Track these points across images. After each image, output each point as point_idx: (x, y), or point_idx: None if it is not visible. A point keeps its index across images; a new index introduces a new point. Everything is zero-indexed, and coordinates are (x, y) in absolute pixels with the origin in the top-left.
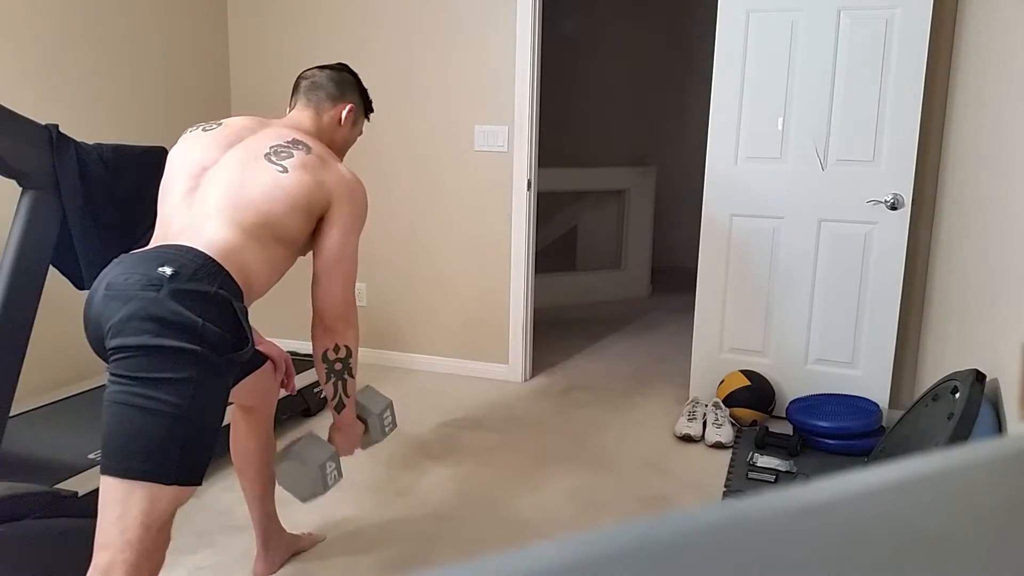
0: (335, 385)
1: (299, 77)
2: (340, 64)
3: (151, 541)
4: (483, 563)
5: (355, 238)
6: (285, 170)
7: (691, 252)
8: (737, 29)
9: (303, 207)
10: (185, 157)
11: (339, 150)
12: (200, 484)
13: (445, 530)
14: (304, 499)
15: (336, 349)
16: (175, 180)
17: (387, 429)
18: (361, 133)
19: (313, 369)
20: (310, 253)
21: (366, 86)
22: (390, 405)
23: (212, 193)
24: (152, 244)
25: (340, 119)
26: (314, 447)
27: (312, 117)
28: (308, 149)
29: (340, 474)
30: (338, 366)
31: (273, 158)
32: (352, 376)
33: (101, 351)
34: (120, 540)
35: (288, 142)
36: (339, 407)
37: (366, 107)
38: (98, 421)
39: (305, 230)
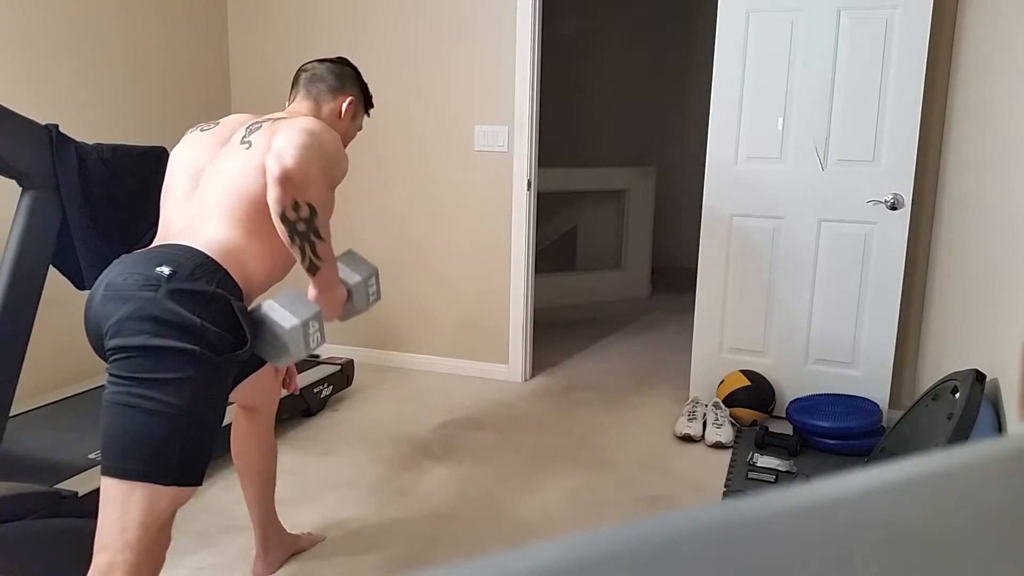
0: (302, 248)
1: (299, 69)
2: (340, 57)
3: (151, 541)
4: (483, 563)
5: (297, 137)
6: (250, 145)
7: (691, 252)
8: (737, 29)
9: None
10: (184, 158)
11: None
12: (200, 484)
13: (445, 530)
14: (280, 360)
15: (295, 206)
16: (176, 181)
17: (371, 299)
18: (361, 128)
19: (313, 369)
20: None
21: (367, 86)
22: (375, 272)
23: (210, 192)
24: (154, 244)
25: (340, 112)
26: (296, 303)
27: (311, 108)
28: (278, 119)
29: (323, 337)
30: (301, 227)
31: (245, 137)
32: (320, 238)
33: (101, 351)
34: (120, 540)
35: (263, 120)
36: (312, 269)
37: (366, 101)
38: (98, 421)
39: None
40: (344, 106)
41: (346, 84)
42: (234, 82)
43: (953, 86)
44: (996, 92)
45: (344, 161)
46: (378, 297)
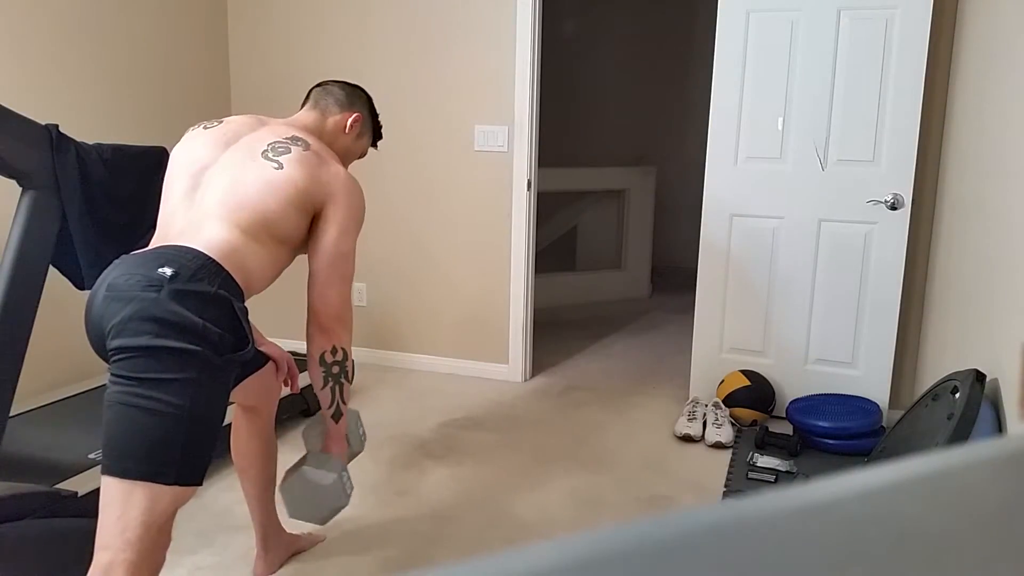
0: (333, 390)
1: (314, 86)
2: (356, 84)
3: (151, 541)
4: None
5: (352, 237)
6: (280, 166)
7: (691, 252)
8: (737, 29)
9: (297, 203)
10: (186, 156)
11: (340, 158)
12: (200, 484)
13: (445, 530)
14: (324, 519)
15: (334, 351)
16: (176, 179)
17: (363, 439)
18: (365, 152)
19: None
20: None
21: (367, 86)
22: (358, 415)
23: (211, 192)
24: (153, 244)
25: (346, 126)
26: (322, 462)
27: (316, 118)
28: (306, 145)
29: (352, 484)
30: (335, 369)
31: (270, 155)
32: (349, 380)
33: (102, 352)
34: (121, 540)
35: (287, 139)
36: (336, 415)
37: (375, 129)
38: (98, 421)
39: (301, 227)
40: (350, 121)
41: (355, 102)
42: (234, 82)
43: (953, 86)
44: (996, 92)
45: (364, 206)
46: (366, 436)
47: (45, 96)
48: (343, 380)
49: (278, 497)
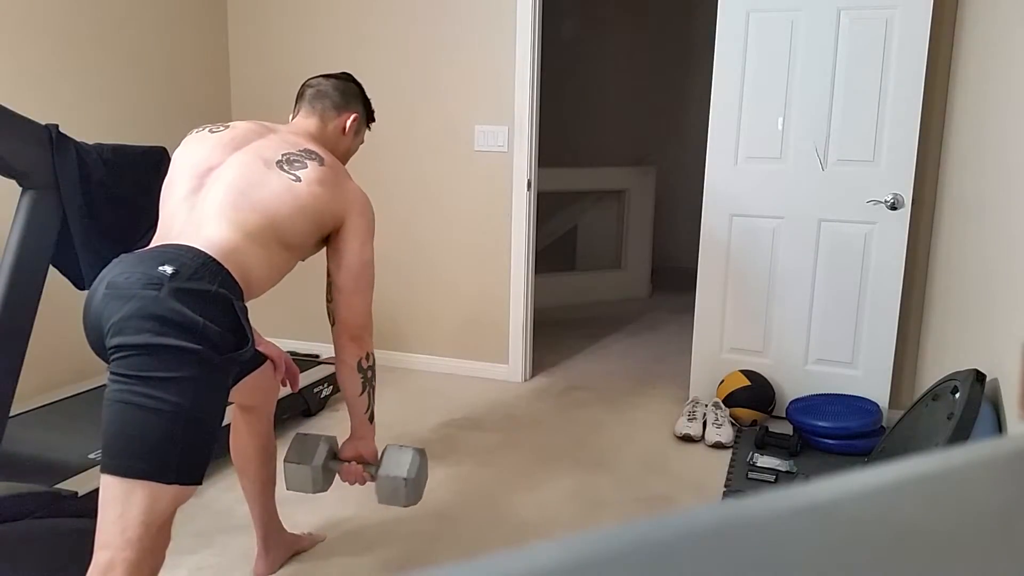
0: (369, 395)
1: (304, 85)
2: (344, 73)
3: (151, 540)
4: (483, 563)
5: (371, 247)
6: (299, 179)
7: (691, 252)
8: (737, 29)
9: (313, 218)
10: (190, 158)
11: (342, 158)
12: (200, 484)
13: (445, 530)
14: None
15: (367, 357)
16: (179, 179)
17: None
18: (363, 142)
19: (313, 369)
20: (308, 258)
21: (367, 86)
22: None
23: (215, 194)
24: (153, 243)
25: (344, 128)
26: (316, 442)
27: (317, 125)
28: (321, 160)
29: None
30: (370, 374)
31: (285, 167)
32: (375, 384)
33: (101, 351)
34: (120, 539)
35: (300, 152)
36: (372, 417)
37: (368, 116)
38: (98, 421)
39: (311, 238)
40: (348, 123)
41: (350, 101)
42: (234, 82)
43: (953, 86)
44: (996, 92)
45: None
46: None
47: (45, 96)
48: (374, 383)
49: (277, 493)
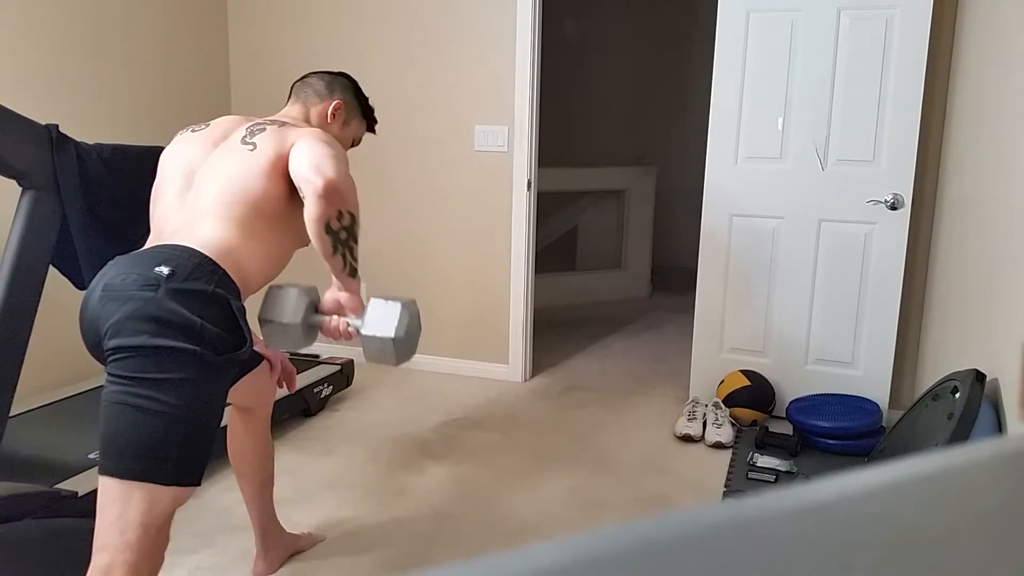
0: (343, 256)
1: (295, 81)
2: (341, 72)
3: (150, 542)
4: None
5: (324, 148)
6: (255, 147)
7: (691, 252)
8: (737, 29)
9: (273, 170)
10: (176, 158)
11: None
12: (199, 484)
13: (445, 530)
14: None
15: (340, 216)
16: (168, 181)
17: (406, 330)
18: (358, 140)
19: (312, 369)
20: (307, 250)
21: (367, 86)
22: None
23: (204, 191)
24: (147, 244)
25: (327, 115)
26: (292, 295)
27: (300, 111)
28: (281, 124)
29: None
30: (343, 235)
31: (247, 139)
32: (356, 243)
33: (98, 352)
34: (119, 541)
35: (266, 121)
36: (353, 272)
37: (367, 116)
38: (98, 421)
39: (284, 194)
40: (331, 109)
41: (335, 90)
42: (234, 82)
43: (953, 86)
44: (996, 92)
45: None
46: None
47: (45, 96)
48: (352, 243)
49: (276, 494)
